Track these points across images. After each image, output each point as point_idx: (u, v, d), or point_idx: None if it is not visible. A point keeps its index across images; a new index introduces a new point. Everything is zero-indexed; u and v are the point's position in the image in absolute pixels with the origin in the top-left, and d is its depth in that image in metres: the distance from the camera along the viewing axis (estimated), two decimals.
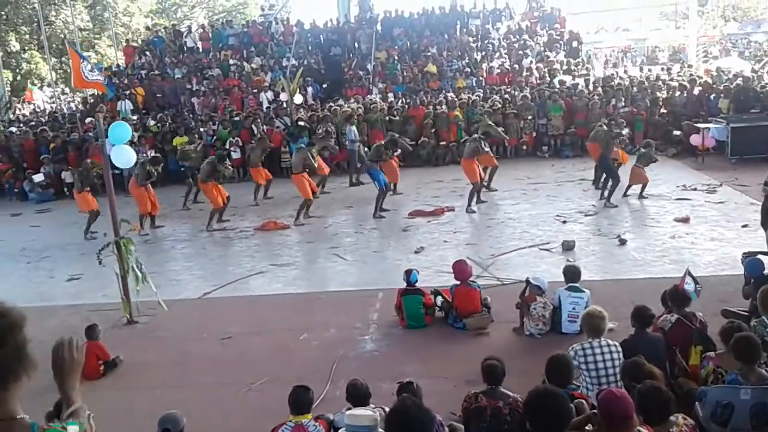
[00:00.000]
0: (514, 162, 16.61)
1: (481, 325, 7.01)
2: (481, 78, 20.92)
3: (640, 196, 12.10)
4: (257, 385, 6.15)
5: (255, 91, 21.12)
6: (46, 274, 10.54)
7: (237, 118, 18.32)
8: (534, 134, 17.52)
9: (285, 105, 19.21)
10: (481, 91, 19.63)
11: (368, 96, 20.12)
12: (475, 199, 12.43)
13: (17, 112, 25.14)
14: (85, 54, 34.54)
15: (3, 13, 33.42)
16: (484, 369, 4.48)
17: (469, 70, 21.39)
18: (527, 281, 7.01)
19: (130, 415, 5.77)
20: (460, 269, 7.29)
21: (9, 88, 29.64)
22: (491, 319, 7.10)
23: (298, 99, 19.39)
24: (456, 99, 18.12)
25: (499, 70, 21.12)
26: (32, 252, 11.94)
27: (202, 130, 17.78)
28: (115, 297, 8.20)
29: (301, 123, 17.18)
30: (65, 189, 17.15)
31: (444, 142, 17.24)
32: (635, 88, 18.22)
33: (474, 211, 12.19)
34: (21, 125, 20.53)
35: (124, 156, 8.16)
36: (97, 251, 8.16)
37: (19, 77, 34.23)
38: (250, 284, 9.26)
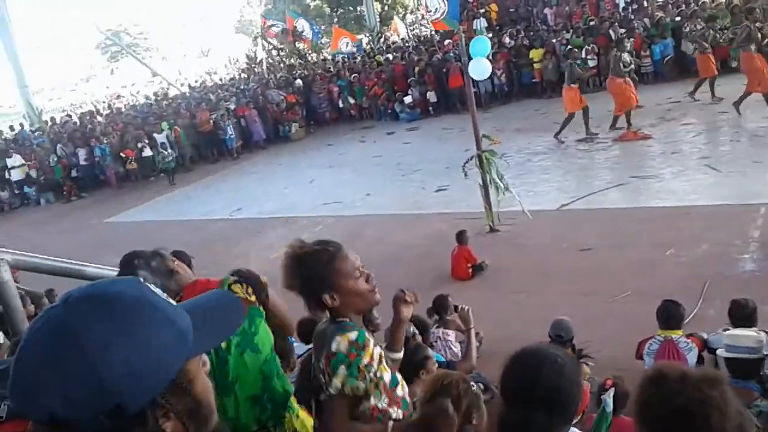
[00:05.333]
0: None
1: None
2: None
3: None
4: (621, 298, 6.03)
5: None
6: (419, 186, 11.68)
7: (592, 24, 17.48)
8: None
9: (646, 3, 17.60)
10: None
11: None
12: None
13: (386, 40, 27.71)
14: None
15: None
16: None
17: None
18: None
19: (498, 315, 6.17)
20: None
21: (379, 19, 32.78)
22: None
23: None
24: None
25: None
26: (406, 166, 13.30)
27: (554, 41, 17.43)
28: (479, 207, 8.73)
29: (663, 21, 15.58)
30: (430, 108, 18.63)
31: None
32: None
33: None
34: (393, 51, 22.64)
35: (480, 68, 8.43)
36: (462, 164, 8.73)
37: (386, 8, 37.58)
38: (609, 197, 8.99)
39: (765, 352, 3.80)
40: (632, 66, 12.28)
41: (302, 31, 23.50)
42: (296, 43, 26.37)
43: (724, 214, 7.50)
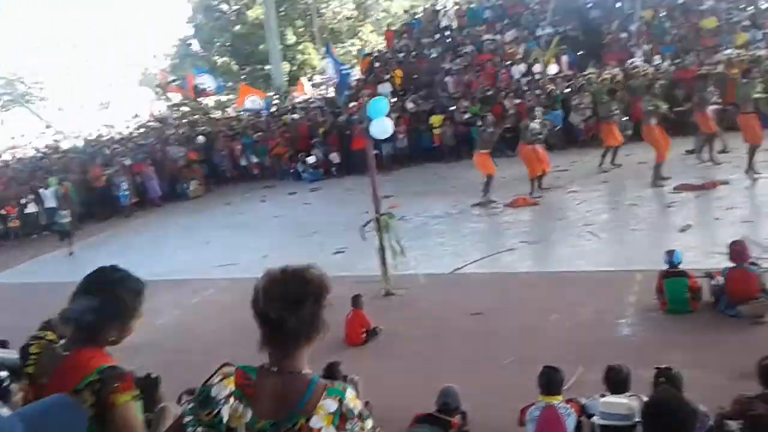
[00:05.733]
0: None
1: (759, 313, 6.20)
2: (766, 31, 18.21)
3: None
4: (508, 363, 6.15)
5: (508, 63, 20.91)
6: (317, 247, 11.61)
7: (489, 94, 18.36)
8: None
9: (538, 77, 18.74)
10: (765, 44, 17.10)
11: (630, 61, 18.72)
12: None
13: (293, 100, 28.02)
14: (348, 41, 37.03)
15: (282, 9, 37.37)
16: (761, 370, 3.92)
17: (751, 22, 18.76)
18: None
19: (389, 383, 6.12)
20: (740, 251, 6.48)
21: (287, 79, 33.15)
22: None
23: (553, 69, 18.77)
24: (737, 56, 15.99)
25: None
26: (306, 227, 13.24)
27: (452, 108, 18.16)
28: (375, 270, 8.77)
29: (554, 94, 16.62)
30: (333, 169, 18.80)
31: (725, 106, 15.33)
32: None
33: (756, 177, 10.77)
34: (298, 110, 22.85)
35: (381, 127, 8.54)
36: (360, 227, 8.79)
37: (295, 68, 38.10)
38: (501, 261, 9.27)
39: (637, 419, 3.95)
40: (542, 134, 12.95)
41: (205, 87, 23.41)
42: (198, 99, 26.17)
43: (605, 279, 7.87)
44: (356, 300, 7.51)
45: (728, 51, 16.89)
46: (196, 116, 27.08)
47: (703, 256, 7.81)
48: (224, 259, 11.60)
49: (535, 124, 12.70)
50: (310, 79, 32.00)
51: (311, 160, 18.80)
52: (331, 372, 5.41)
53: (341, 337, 7.33)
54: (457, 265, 9.32)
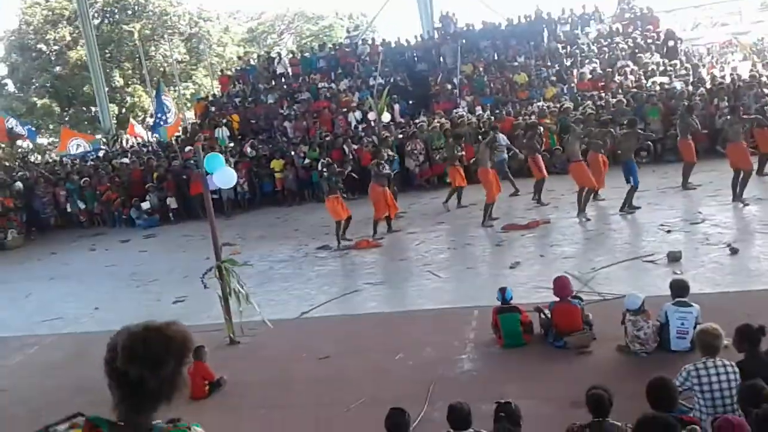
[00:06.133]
0: (612, 169, 15.98)
1: (583, 344, 6.75)
2: (571, 85, 20.41)
3: None
4: (355, 406, 6.17)
5: (344, 110, 21.50)
6: (154, 297, 11.06)
7: (327, 139, 18.73)
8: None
9: (373, 124, 19.45)
10: (568, 97, 19.15)
11: (456, 110, 20.05)
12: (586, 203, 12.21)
13: (124, 144, 26.74)
14: (183, 85, 36.17)
15: (107, 51, 35.72)
16: (590, 399, 4.22)
17: (557, 77, 20.94)
18: None
19: None
20: (562, 286, 7.05)
21: (116, 121, 31.59)
22: (593, 336, 6.82)
23: (386, 117, 19.57)
24: (547, 107, 17.75)
25: (590, 76, 20.49)
26: (141, 276, 12.56)
27: (292, 153, 18.28)
28: (219, 318, 8.50)
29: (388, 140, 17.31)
30: (170, 215, 18.06)
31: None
32: (740, 85, 17.21)
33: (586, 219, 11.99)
34: (130, 155, 21.79)
35: (225, 177, 8.41)
36: (201, 275, 8.47)
37: (124, 110, 36.44)
38: (346, 303, 9.35)
39: None
40: (391, 175, 13.33)
41: (14, 129, 21.70)
42: (14, 143, 24.16)
43: (446, 317, 8.20)
44: (198, 352, 7.15)
45: (539, 103, 18.69)
46: (8, 162, 24.93)
47: (532, 292, 8.42)
48: (49, 314, 10.65)
49: (386, 166, 13.12)
50: (141, 122, 30.76)
51: (146, 205, 17.96)
52: None
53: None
54: (304, 309, 9.27)
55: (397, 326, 8.14)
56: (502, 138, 15.34)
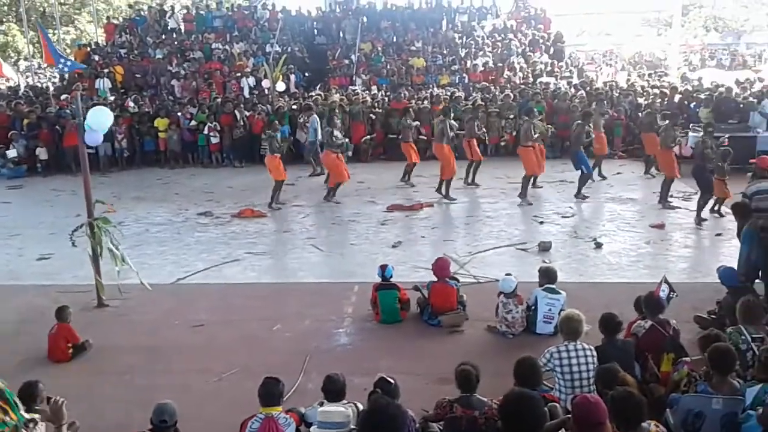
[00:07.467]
0: (494, 161, 16.63)
1: (456, 323, 7.02)
2: (464, 75, 20.93)
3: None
4: (228, 375, 6.08)
5: (238, 75, 20.89)
6: (16, 252, 10.34)
7: (217, 102, 18.10)
8: (514, 134, 17.51)
9: (267, 92, 19.03)
10: (461, 87, 19.66)
11: (351, 87, 20.01)
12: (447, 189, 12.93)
13: None
14: (63, 29, 33.75)
15: None
16: (458, 375, 4.39)
17: (454, 66, 21.41)
18: None
19: (99, 400, 5.68)
20: (441, 266, 7.27)
21: None
22: (466, 317, 7.11)
23: (281, 86, 19.24)
24: (440, 94, 18.11)
25: (483, 68, 21.12)
26: (3, 229, 11.69)
27: (179, 114, 17.53)
28: (86, 279, 8.10)
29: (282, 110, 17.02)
30: (38, 165, 16.87)
31: (425, 137, 17.16)
32: (617, 93, 18.37)
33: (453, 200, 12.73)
34: None
35: (100, 117, 7.73)
36: (69, 232, 7.99)
37: None
38: (224, 272, 9.15)
39: (352, 426, 4.18)
40: (344, 142, 13.25)
41: None
42: None
43: (325, 291, 8.25)
44: (61, 312, 6.79)
45: (434, 89, 19.06)
46: None
47: (412, 271, 8.63)
48: None
49: (337, 132, 12.95)
50: (15, 64, 28.36)
51: (12, 153, 16.65)
52: (29, 393, 4.82)
53: (43, 355, 6.58)
54: (179, 275, 8.98)
55: (276, 298, 8.08)
56: (315, 120, 15.40)
